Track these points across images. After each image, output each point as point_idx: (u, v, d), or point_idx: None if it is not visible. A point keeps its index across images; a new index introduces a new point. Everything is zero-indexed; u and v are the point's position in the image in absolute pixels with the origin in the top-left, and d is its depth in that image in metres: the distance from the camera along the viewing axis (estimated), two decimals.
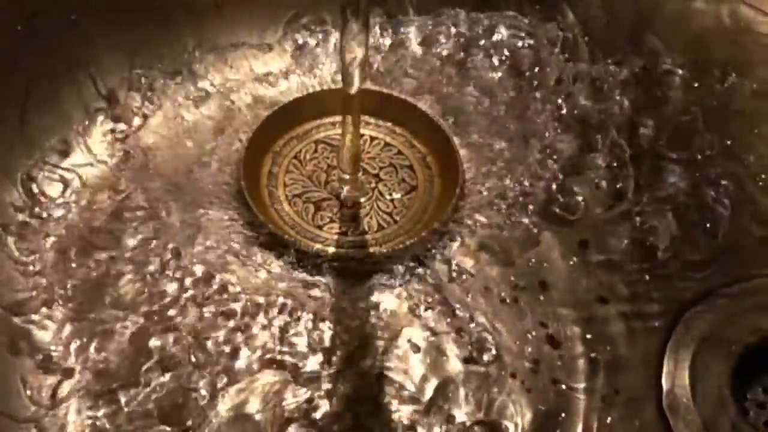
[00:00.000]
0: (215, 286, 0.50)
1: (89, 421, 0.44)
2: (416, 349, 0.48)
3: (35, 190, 0.53)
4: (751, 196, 0.54)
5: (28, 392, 0.45)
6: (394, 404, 0.46)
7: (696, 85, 0.59)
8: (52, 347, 0.47)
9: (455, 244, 0.52)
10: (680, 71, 0.59)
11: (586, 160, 0.56)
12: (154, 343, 0.47)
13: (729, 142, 0.56)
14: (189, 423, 0.45)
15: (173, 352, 0.47)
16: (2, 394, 0.45)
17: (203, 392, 0.46)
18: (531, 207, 0.54)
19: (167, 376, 0.46)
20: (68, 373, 0.46)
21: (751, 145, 0.56)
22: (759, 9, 0.60)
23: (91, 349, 0.47)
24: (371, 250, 0.52)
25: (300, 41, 0.61)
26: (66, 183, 0.53)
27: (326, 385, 0.46)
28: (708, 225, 0.53)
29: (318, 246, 0.51)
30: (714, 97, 0.58)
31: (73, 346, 0.47)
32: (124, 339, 0.47)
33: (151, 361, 0.46)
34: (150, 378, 0.46)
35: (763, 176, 0.55)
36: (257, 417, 0.45)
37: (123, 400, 0.45)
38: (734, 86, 0.58)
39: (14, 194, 0.52)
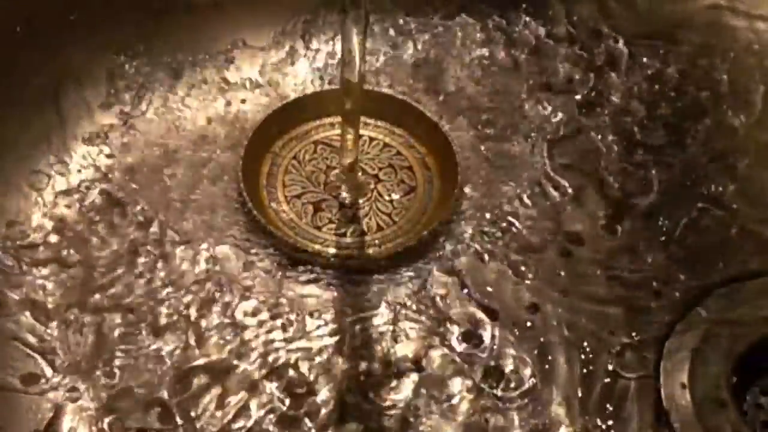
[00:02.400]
0: (213, 288, 0.50)
1: None
2: (416, 349, 0.48)
3: (35, 190, 0.53)
4: (751, 195, 0.55)
5: None
6: (394, 404, 0.46)
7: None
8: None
9: (454, 245, 0.52)
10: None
11: (588, 161, 0.56)
12: (146, 345, 0.47)
13: (730, 143, 0.57)
14: (179, 422, 0.45)
15: (168, 352, 0.47)
16: None
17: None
18: (531, 207, 0.54)
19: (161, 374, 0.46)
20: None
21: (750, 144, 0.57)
22: None
23: (84, 345, 0.47)
24: (370, 250, 0.52)
25: (299, 41, 0.61)
26: (65, 183, 0.53)
27: (325, 387, 0.46)
28: (707, 225, 0.53)
29: (317, 247, 0.51)
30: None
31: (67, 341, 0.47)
32: (118, 339, 0.47)
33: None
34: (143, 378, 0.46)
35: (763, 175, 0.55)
36: (254, 418, 0.45)
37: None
38: None
39: (14, 195, 0.52)
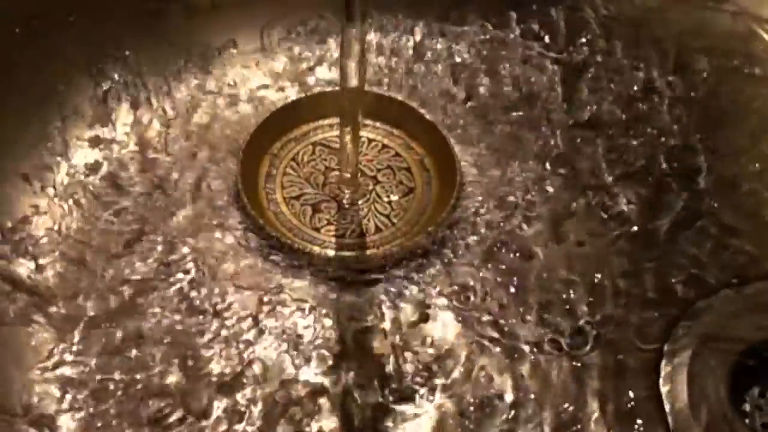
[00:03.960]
0: (211, 289, 0.50)
1: None
2: (414, 351, 0.48)
3: (34, 190, 0.53)
4: (751, 196, 0.55)
5: None
6: (393, 405, 0.46)
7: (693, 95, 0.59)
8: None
9: (453, 247, 0.52)
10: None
11: (587, 162, 0.56)
12: (145, 346, 0.47)
13: (730, 147, 0.57)
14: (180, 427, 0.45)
15: (165, 354, 0.47)
16: None
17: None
18: (529, 209, 0.54)
19: (160, 377, 0.46)
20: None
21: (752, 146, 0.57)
22: None
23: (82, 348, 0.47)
24: (369, 252, 0.52)
25: (298, 42, 0.61)
26: (63, 184, 0.53)
27: (324, 389, 0.46)
28: (706, 227, 0.53)
29: (316, 248, 0.51)
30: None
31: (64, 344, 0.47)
32: (115, 341, 0.47)
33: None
34: (144, 379, 0.46)
35: (763, 176, 0.55)
36: (252, 421, 0.45)
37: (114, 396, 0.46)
38: None
39: (14, 195, 0.52)
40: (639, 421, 0.46)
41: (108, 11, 0.58)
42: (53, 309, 0.48)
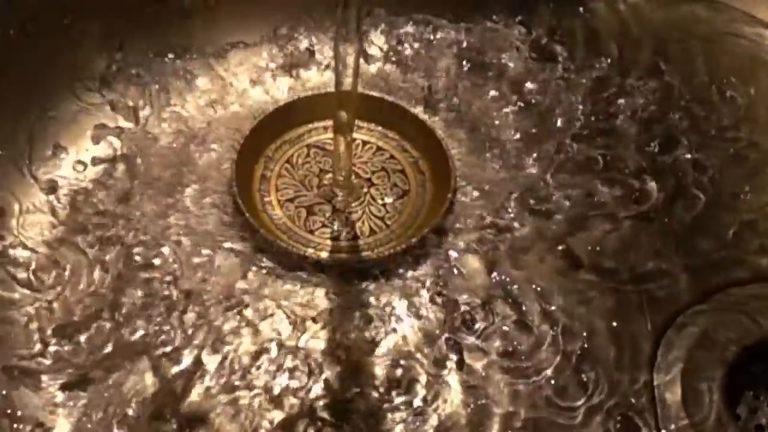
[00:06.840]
0: (206, 292, 0.50)
1: None
2: (409, 353, 0.48)
3: (31, 192, 0.53)
4: (750, 199, 0.55)
5: None
6: (390, 407, 0.46)
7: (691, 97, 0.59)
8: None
9: (447, 249, 0.52)
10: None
11: (581, 165, 0.56)
12: (140, 348, 0.47)
13: (729, 147, 0.57)
14: (176, 425, 0.45)
15: (161, 356, 0.47)
16: None
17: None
18: (524, 211, 0.54)
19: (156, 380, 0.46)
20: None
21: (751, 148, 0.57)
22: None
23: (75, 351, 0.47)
24: (363, 254, 0.52)
25: (292, 44, 0.61)
26: (60, 185, 0.54)
27: (319, 391, 0.46)
28: (703, 229, 0.53)
29: (310, 251, 0.51)
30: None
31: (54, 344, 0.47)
32: (110, 346, 0.48)
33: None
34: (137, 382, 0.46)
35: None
36: (247, 423, 0.45)
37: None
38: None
39: (11, 196, 0.52)
40: (632, 424, 0.46)
41: (103, 13, 0.58)
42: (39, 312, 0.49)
